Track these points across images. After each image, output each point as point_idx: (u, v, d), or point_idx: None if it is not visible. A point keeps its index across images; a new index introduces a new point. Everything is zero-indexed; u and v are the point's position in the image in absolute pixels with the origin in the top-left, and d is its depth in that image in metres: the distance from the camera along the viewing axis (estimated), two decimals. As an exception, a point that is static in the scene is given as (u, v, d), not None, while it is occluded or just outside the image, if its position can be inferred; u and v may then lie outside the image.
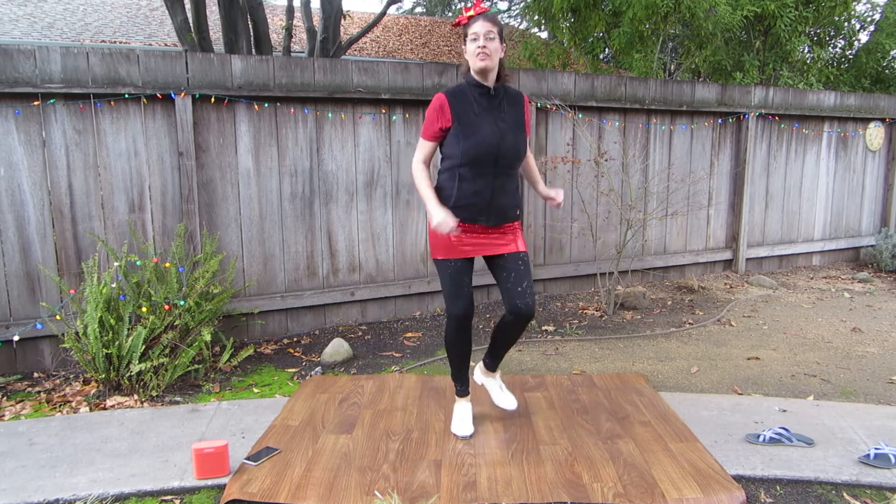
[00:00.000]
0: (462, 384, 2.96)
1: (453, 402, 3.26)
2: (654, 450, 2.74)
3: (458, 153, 2.65)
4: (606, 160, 5.43)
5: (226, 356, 3.82)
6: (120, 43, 11.16)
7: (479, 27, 2.59)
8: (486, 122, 2.64)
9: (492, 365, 3.01)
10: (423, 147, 2.74)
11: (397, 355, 4.16)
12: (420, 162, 2.73)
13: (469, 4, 2.67)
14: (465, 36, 2.65)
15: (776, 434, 2.83)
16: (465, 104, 2.66)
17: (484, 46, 2.57)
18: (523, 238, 2.84)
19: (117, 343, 3.36)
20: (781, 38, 9.50)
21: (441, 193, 2.72)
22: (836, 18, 10.39)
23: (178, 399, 3.44)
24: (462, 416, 2.95)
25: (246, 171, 4.26)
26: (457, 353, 2.87)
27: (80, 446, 2.84)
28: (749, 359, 4.07)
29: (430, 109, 2.70)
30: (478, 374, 3.10)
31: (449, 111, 2.65)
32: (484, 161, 2.64)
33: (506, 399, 2.96)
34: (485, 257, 2.82)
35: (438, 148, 2.76)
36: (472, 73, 2.68)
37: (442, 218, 2.57)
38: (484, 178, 2.66)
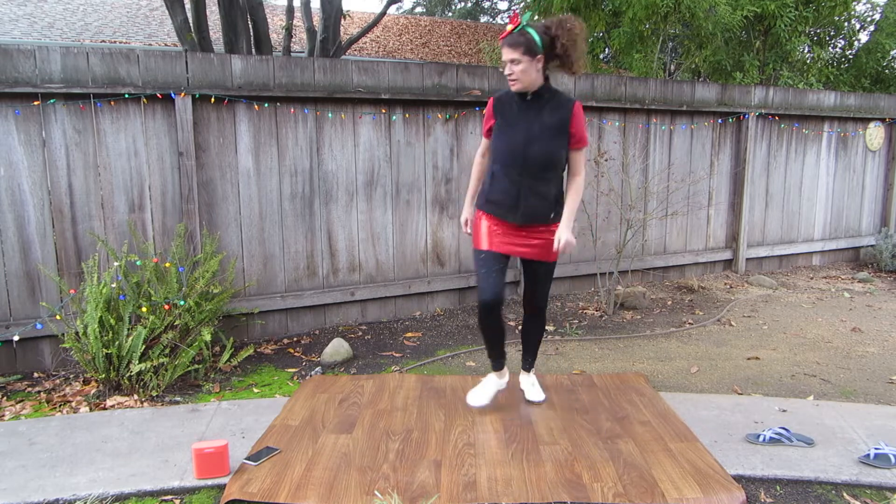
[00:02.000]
0: (492, 360, 3.14)
1: (453, 402, 3.29)
2: (654, 450, 2.74)
3: (493, 151, 2.91)
4: (606, 160, 5.43)
5: (226, 356, 3.82)
6: (120, 43, 11.16)
7: (503, 55, 2.73)
8: (519, 125, 2.80)
9: (524, 365, 3.32)
10: (482, 143, 3.08)
11: (397, 355, 4.16)
12: (479, 155, 3.09)
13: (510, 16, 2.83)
14: None
15: (776, 434, 2.83)
16: (507, 106, 2.86)
17: (510, 74, 2.73)
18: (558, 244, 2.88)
19: (117, 343, 3.36)
20: (781, 38, 9.50)
21: (483, 185, 2.99)
22: (836, 18, 10.39)
23: (178, 399, 3.44)
24: (484, 385, 3.17)
25: (246, 171, 4.26)
26: (485, 336, 3.04)
27: (80, 446, 2.84)
28: (749, 359, 4.07)
29: (486, 110, 2.98)
30: (521, 377, 3.36)
31: (492, 111, 2.90)
32: (511, 161, 2.81)
33: (535, 393, 3.27)
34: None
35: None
36: None
37: (462, 218, 3.16)
38: (510, 177, 2.82)
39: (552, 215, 2.88)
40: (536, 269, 3.00)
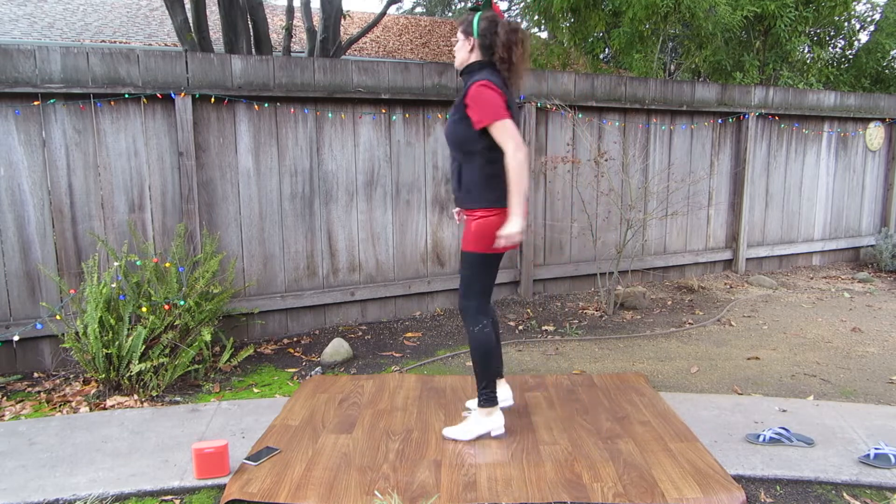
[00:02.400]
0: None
1: (453, 402, 3.28)
2: (654, 450, 2.74)
3: None
4: (606, 160, 5.43)
5: (226, 356, 3.82)
6: (120, 43, 11.16)
7: None
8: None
9: None
10: None
11: (397, 355, 4.16)
12: None
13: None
14: None
15: (776, 434, 2.83)
16: None
17: (453, 49, 2.95)
18: (477, 233, 2.72)
19: (117, 343, 3.36)
20: (781, 38, 9.50)
21: None
22: (836, 18, 10.39)
23: (178, 399, 3.44)
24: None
25: (246, 171, 4.26)
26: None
27: (80, 446, 2.84)
28: (749, 359, 4.07)
29: None
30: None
31: None
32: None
33: (454, 429, 2.93)
34: None
35: None
36: None
37: None
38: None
39: (466, 201, 2.78)
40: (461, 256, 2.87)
